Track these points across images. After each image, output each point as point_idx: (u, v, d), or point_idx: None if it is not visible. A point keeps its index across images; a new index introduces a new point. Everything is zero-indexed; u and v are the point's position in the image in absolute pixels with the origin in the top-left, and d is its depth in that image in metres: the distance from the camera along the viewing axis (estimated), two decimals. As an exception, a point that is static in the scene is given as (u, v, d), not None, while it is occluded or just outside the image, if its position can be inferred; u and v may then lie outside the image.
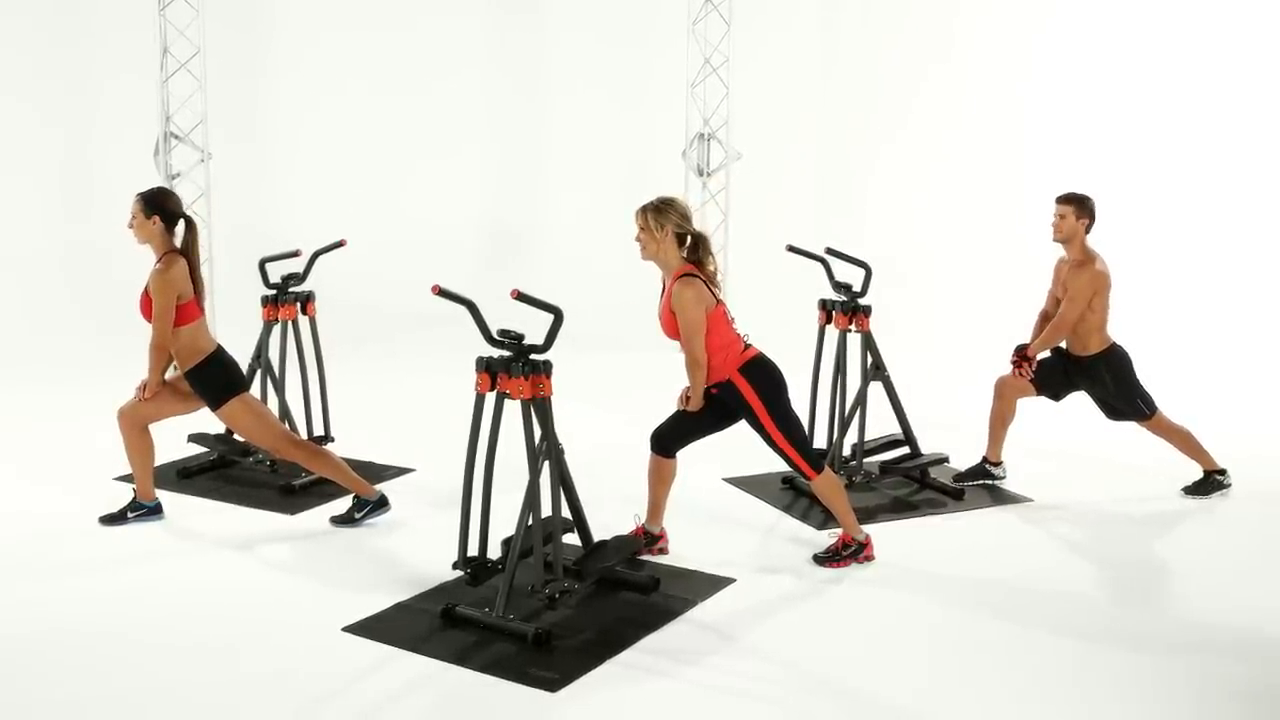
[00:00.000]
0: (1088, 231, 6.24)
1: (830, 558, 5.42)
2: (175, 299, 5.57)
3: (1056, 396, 6.49)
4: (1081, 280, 6.16)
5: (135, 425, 5.75)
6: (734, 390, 5.22)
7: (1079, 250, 6.23)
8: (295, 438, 6.02)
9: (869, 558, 5.43)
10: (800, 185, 12.38)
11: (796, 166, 12.44)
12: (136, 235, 5.69)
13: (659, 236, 5.11)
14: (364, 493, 5.89)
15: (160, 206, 5.68)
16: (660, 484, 5.48)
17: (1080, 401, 6.57)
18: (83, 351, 9.64)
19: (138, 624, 4.74)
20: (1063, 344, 6.37)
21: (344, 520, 5.86)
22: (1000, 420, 6.48)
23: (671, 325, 5.17)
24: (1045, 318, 6.48)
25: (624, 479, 5.95)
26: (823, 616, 4.93)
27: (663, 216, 5.11)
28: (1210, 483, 6.47)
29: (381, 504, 5.90)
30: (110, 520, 5.81)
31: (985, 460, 6.54)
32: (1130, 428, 6.56)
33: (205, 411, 5.85)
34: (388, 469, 6.75)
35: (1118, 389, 6.31)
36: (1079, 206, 6.20)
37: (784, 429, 5.24)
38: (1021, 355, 6.36)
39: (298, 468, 6.35)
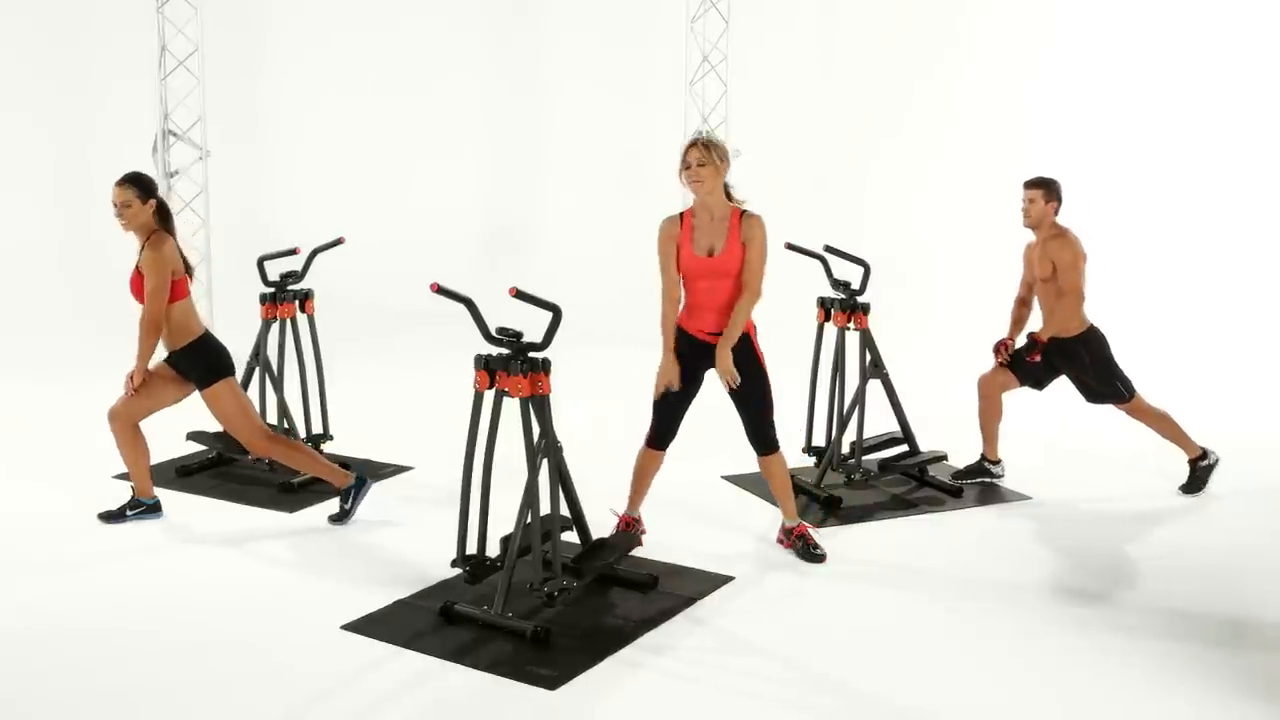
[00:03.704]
0: (1055, 214, 6.29)
1: (788, 539, 5.52)
2: (170, 276, 5.59)
3: (1039, 385, 6.49)
4: (1067, 250, 6.20)
5: (128, 424, 5.75)
6: (745, 343, 5.23)
7: (1049, 229, 6.28)
8: (271, 433, 6.00)
9: (803, 536, 5.49)
10: (799, 183, 12.40)
11: (795, 164, 12.45)
12: (130, 221, 5.66)
13: (721, 169, 5.11)
14: (340, 483, 5.90)
15: (154, 190, 5.73)
16: (650, 476, 5.51)
17: (1079, 398, 6.56)
18: (82, 348, 9.64)
19: (136, 622, 4.74)
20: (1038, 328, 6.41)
21: (340, 517, 5.87)
22: (990, 420, 6.50)
23: (738, 262, 5.11)
24: (1021, 303, 6.55)
25: (623, 476, 5.94)
26: (821, 613, 4.93)
27: (720, 153, 5.12)
28: (1197, 473, 6.48)
29: (362, 484, 5.91)
30: (109, 518, 5.81)
31: (984, 458, 6.55)
32: (1128, 425, 6.56)
33: (204, 409, 5.85)
34: (386, 467, 6.76)
35: (1096, 369, 6.32)
36: (1047, 190, 6.26)
37: (771, 394, 5.28)
38: (1003, 343, 6.48)
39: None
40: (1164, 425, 6.47)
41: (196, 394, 5.81)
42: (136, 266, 5.65)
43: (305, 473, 6.02)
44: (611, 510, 5.56)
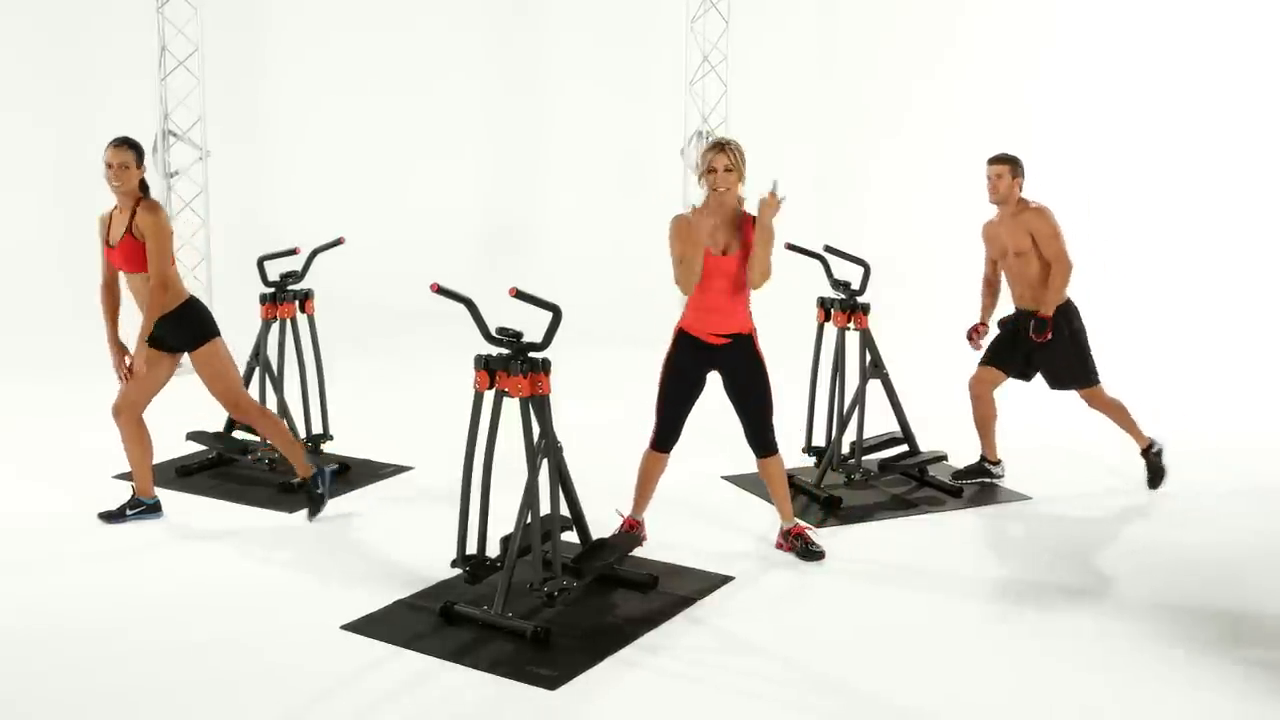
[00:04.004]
0: (1020, 190, 6.32)
1: (787, 541, 5.53)
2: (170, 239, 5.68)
3: (1024, 375, 6.47)
4: (1044, 221, 6.23)
5: (133, 418, 5.75)
6: (749, 345, 5.28)
7: (1016, 205, 6.31)
8: (251, 398, 6.02)
9: (801, 535, 5.50)
10: (799, 183, 12.35)
11: (795, 164, 12.42)
12: (125, 184, 5.69)
13: (743, 174, 5.18)
14: (304, 473, 5.93)
15: (144, 156, 5.81)
16: (655, 479, 5.51)
17: (1072, 397, 6.54)
18: (82, 348, 9.61)
19: (136, 621, 4.74)
20: (1007, 307, 6.41)
21: (314, 511, 5.89)
22: (984, 421, 6.50)
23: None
24: (989, 284, 6.56)
25: (623, 476, 5.94)
26: (820, 613, 4.93)
27: (743, 157, 5.18)
28: (1151, 463, 6.50)
29: (320, 474, 5.94)
30: (109, 517, 5.81)
31: (983, 459, 6.55)
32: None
33: (203, 409, 5.84)
34: (386, 467, 6.76)
35: (1074, 347, 6.32)
36: (1014, 166, 6.30)
37: (771, 397, 5.32)
38: (976, 328, 6.52)
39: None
40: (1120, 415, 6.48)
41: (189, 385, 5.80)
42: (128, 233, 5.67)
43: (273, 444, 6.04)
44: (617, 511, 5.56)
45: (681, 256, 5.14)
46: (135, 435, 5.78)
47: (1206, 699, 4.22)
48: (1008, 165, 6.29)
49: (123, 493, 6.02)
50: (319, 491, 5.91)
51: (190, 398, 6.35)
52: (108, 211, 5.84)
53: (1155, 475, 6.50)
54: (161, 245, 5.62)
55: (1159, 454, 6.50)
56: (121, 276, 5.84)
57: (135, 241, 5.66)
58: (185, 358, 5.83)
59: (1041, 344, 6.27)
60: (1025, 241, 6.25)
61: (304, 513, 5.98)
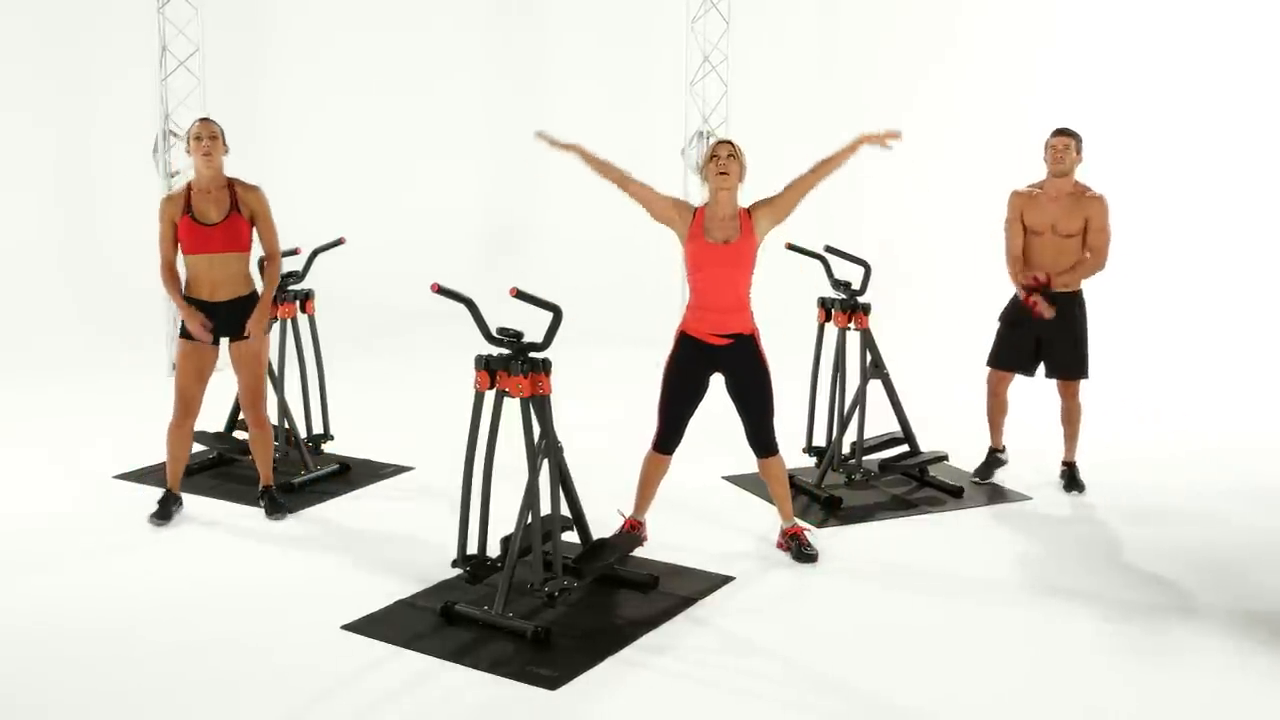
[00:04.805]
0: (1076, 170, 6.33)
1: (787, 543, 5.52)
2: None
3: (1028, 370, 6.46)
4: (1105, 211, 6.23)
5: (192, 425, 5.80)
6: (751, 345, 5.28)
7: (1075, 185, 6.28)
8: (263, 405, 6.01)
9: (796, 536, 5.49)
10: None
11: (795, 164, 12.41)
12: (213, 160, 5.69)
13: (744, 172, 5.32)
14: (267, 481, 5.99)
15: None
16: (657, 481, 5.50)
17: (1083, 400, 6.54)
18: (82, 349, 9.64)
19: (137, 621, 4.74)
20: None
21: (275, 511, 5.90)
22: (995, 415, 6.57)
23: (751, 254, 5.27)
24: (1019, 250, 6.44)
25: (624, 476, 5.94)
26: (821, 614, 4.93)
27: (744, 157, 5.36)
28: (1070, 475, 6.53)
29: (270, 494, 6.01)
30: (160, 518, 5.76)
31: (991, 450, 6.59)
32: (1127, 427, 6.55)
33: (203, 410, 5.85)
34: (386, 467, 6.75)
35: (1081, 335, 6.33)
36: (1079, 142, 6.28)
37: (772, 398, 5.35)
38: (1034, 287, 6.29)
39: (297, 466, 6.39)
40: (1078, 418, 6.50)
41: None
42: (235, 212, 5.70)
43: (255, 456, 6.05)
44: (619, 511, 5.56)
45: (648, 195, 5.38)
46: (185, 442, 5.83)
47: (1206, 697, 4.22)
48: (1075, 140, 6.26)
49: (122, 492, 6.02)
50: (280, 501, 5.97)
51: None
52: (178, 192, 5.77)
53: (1076, 484, 6.50)
54: (273, 221, 5.85)
55: (1076, 471, 6.54)
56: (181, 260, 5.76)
57: (242, 220, 5.72)
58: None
59: (1051, 327, 6.25)
60: (1078, 224, 6.23)
61: (304, 512, 6.00)
